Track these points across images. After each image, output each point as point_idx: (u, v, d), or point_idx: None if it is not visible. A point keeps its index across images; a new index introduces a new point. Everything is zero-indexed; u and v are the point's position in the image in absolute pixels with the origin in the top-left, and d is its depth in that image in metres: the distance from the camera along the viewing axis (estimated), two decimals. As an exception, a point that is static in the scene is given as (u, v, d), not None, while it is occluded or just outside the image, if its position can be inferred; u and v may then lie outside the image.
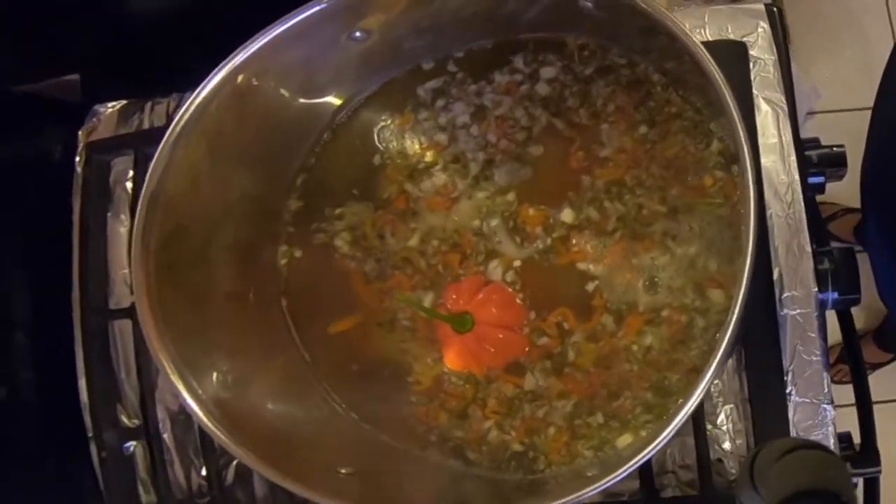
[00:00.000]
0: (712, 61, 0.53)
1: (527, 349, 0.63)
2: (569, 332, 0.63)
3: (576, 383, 0.62)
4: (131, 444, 0.82)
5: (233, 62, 0.61)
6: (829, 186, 0.74)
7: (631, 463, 0.52)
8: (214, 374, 0.62)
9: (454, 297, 0.64)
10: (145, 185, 0.60)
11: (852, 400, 0.75)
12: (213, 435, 0.58)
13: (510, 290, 0.64)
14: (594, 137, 0.64)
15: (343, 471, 0.61)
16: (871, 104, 0.78)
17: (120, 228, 0.85)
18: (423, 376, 0.65)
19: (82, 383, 0.83)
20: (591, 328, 0.62)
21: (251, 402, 0.64)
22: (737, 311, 0.50)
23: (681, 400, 0.59)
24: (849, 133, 0.74)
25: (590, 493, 0.52)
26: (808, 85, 0.76)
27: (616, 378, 0.61)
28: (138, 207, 0.60)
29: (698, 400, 0.52)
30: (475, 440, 0.64)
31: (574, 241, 0.63)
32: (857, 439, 0.71)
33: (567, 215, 0.63)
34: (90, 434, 0.82)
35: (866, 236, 0.80)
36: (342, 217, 0.69)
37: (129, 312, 0.82)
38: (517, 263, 0.64)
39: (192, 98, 0.61)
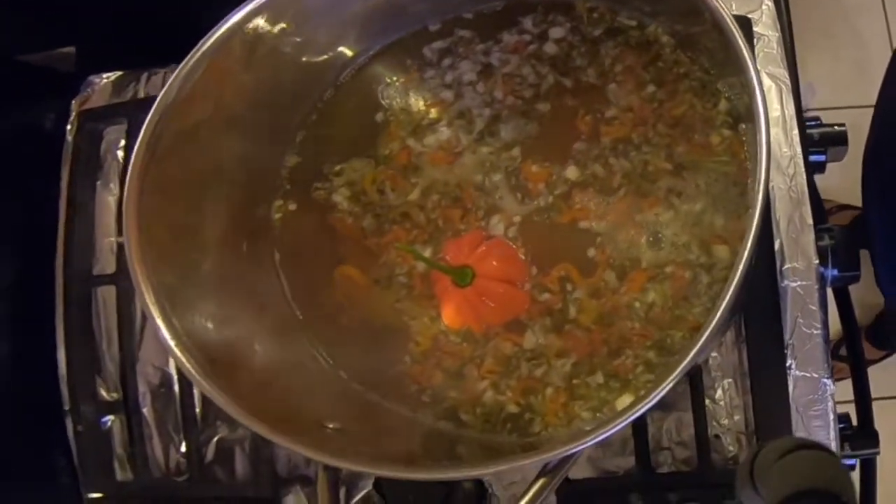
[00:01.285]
0: (726, 9, 0.53)
1: (527, 306, 0.62)
2: (570, 289, 0.61)
3: (576, 341, 0.61)
4: (109, 419, 0.80)
5: (243, 11, 0.60)
6: (824, 183, 0.75)
7: (627, 415, 0.50)
8: (201, 325, 0.60)
9: (454, 250, 0.63)
10: (147, 121, 0.58)
11: (849, 397, 0.74)
12: (195, 381, 0.55)
13: (512, 245, 0.63)
14: (601, 97, 0.64)
15: (330, 425, 0.59)
16: (867, 102, 0.78)
17: (108, 197, 0.83)
18: (421, 337, 0.64)
19: (61, 354, 0.80)
20: (594, 284, 0.61)
21: (238, 355, 0.61)
22: (747, 251, 0.49)
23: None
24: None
25: (583, 446, 0.50)
26: (804, 82, 0.77)
27: (617, 336, 0.60)
28: (137, 143, 0.58)
29: (703, 348, 0.50)
30: (469, 401, 0.62)
31: (577, 200, 0.62)
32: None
33: (572, 172, 0.63)
34: (66, 407, 0.80)
35: (867, 226, 0.80)
36: (341, 173, 0.68)
37: (113, 278, 0.80)
38: (517, 219, 0.63)
39: (199, 43, 0.60)
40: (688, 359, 0.50)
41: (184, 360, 0.55)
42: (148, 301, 0.56)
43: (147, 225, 0.58)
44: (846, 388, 0.75)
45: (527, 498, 0.53)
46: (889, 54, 0.81)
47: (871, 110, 0.83)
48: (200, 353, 0.56)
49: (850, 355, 0.72)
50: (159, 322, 0.56)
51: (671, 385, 0.50)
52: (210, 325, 0.60)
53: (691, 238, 0.60)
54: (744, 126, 0.60)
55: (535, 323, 0.62)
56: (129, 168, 0.57)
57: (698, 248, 0.59)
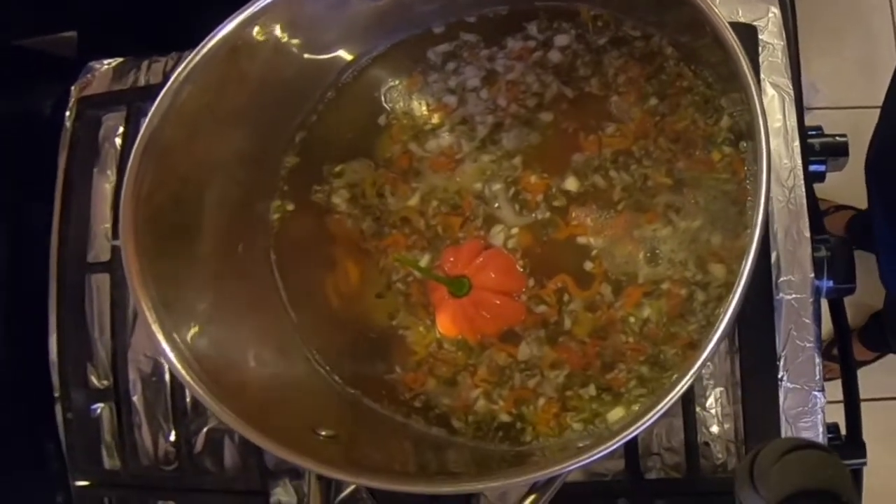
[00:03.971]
0: (731, 31, 0.53)
1: (523, 317, 0.62)
2: (567, 301, 0.62)
3: (570, 353, 0.61)
4: (99, 406, 0.80)
5: (247, 12, 0.60)
6: (821, 183, 0.75)
7: (621, 436, 0.50)
8: (196, 327, 0.60)
9: (452, 259, 0.63)
10: (145, 124, 0.58)
11: (839, 396, 0.74)
12: (189, 388, 0.56)
13: (510, 255, 0.63)
14: (603, 108, 0.63)
15: (323, 433, 0.59)
16: (871, 102, 0.78)
17: (105, 184, 0.83)
18: (417, 345, 0.64)
19: (53, 340, 0.80)
20: (590, 297, 0.61)
21: (232, 358, 0.62)
22: (743, 280, 0.49)
23: (676, 375, 0.58)
24: (847, 130, 0.74)
25: (576, 465, 0.50)
26: (808, 81, 0.77)
27: (611, 350, 0.60)
28: (135, 146, 0.58)
29: (697, 373, 0.51)
30: (462, 408, 0.63)
31: (573, 215, 0.62)
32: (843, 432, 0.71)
33: (571, 183, 0.62)
34: (57, 393, 0.80)
35: (873, 228, 0.80)
36: (342, 175, 0.67)
37: (108, 266, 0.80)
38: (514, 231, 0.63)
39: (201, 45, 0.60)
40: (685, 380, 0.50)
41: (184, 373, 0.56)
42: (148, 317, 0.56)
43: (144, 224, 0.58)
44: (836, 388, 0.76)
45: (518, 512, 0.53)
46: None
47: (875, 111, 0.83)
48: (195, 360, 0.57)
49: (841, 365, 0.72)
50: (155, 329, 0.56)
51: (668, 405, 0.50)
52: (204, 330, 0.60)
53: (688, 255, 0.60)
54: (745, 144, 0.59)
55: (530, 334, 0.62)
56: (126, 177, 0.57)
57: (695, 266, 0.60)
